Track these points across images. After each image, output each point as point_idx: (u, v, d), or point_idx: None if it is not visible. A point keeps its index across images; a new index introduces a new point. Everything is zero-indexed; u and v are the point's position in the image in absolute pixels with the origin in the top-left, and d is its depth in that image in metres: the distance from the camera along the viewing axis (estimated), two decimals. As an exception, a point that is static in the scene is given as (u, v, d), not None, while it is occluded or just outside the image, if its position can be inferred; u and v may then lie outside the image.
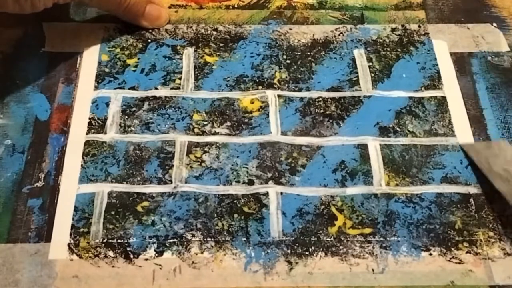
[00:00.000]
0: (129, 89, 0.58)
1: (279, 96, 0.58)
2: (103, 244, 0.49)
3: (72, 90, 0.58)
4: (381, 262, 0.49)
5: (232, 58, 0.61)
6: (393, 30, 0.64)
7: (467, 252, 0.49)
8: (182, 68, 0.60)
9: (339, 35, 0.63)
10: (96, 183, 0.52)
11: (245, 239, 0.49)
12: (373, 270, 0.48)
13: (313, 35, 0.63)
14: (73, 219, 0.50)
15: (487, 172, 0.51)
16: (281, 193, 0.52)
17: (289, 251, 0.49)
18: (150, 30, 0.63)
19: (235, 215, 0.51)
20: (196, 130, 0.56)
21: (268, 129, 0.56)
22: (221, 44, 0.62)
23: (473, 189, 0.52)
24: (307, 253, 0.49)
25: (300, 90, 0.59)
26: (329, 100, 0.58)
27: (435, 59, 0.61)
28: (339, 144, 0.55)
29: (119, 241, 0.49)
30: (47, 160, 0.53)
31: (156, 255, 0.49)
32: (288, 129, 0.56)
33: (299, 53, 0.61)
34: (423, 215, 0.51)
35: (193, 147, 0.55)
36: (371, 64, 0.61)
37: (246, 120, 0.56)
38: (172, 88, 0.58)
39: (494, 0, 0.67)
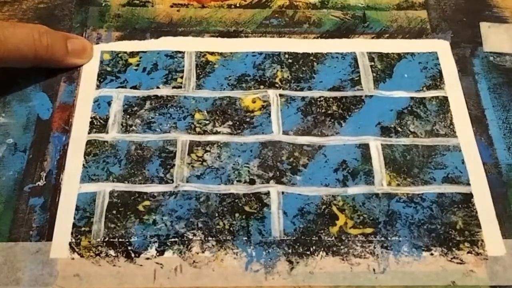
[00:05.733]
0: (130, 88, 0.58)
1: (280, 95, 0.58)
2: (104, 243, 0.49)
3: (74, 89, 0.58)
4: (382, 262, 0.49)
5: (233, 57, 0.61)
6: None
7: (468, 252, 0.49)
8: (183, 67, 0.60)
9: (341, 34, 0.63)
10: (97, 182, 0.52)
11: (246, 238, 0.50)
12: (374, 270, 0.48)
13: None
14: (74, 218, 0.50)
15: None
16: (282, 192, 0.52)
17: (290, 251, 0.49)
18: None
19: (236, 215, 0.51)
20: (197, 129, 0.56)
21: (269, 128, 0.56)
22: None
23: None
24: (308, 252, 0.49)
25: (301, 89, 0.59)
26: (330, 99, 0.58)
27: (437, 59, 0.61)
28: (340, 143, 0.55)
29: (120, 240, 0.49)
30: (49, 159, 0.53)
31: (157, 254, 0.49)
32: (289, 129, 0.56)
33: (300, 53, 0.61)
34: (424, 215, 0.51)
35: (194, 146, 0.55)
36: (373, 63, 0.61)
37: (247, 120, 0.56)
38: (173, 87, 0.58)
39: (496, 0, 0.66)
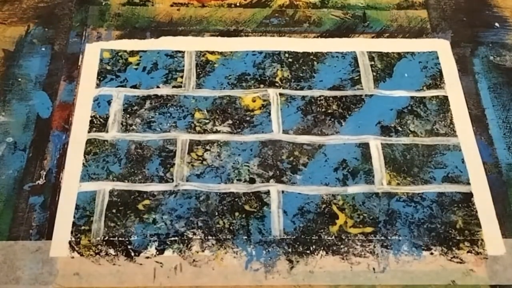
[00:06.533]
0: (130, 87, 0.58)
1: (280, 94, 0.58)
2: (104, 242, 0.49)
3: (73, 88, 0.58)
4: (382, 261, 0.49)
5: (234, 56, 0.61)
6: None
7: (468, 252, 0.49)
8: (184, 66, 0.60)
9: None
10: (97, 181, 0.52)
11: (246, 237, 0.50)
12: (374, 269, 0.48)
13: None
14: (74, 217, 0.50)
15: None
16: (282, 191, 0.52)
17: (290, 250, 0.49)
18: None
19: (236, 214, 0.51)
20: (197, 128, 0.56)
21: (269, 127, 0.56)
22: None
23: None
24: (308, 251, 0.49)
25: (302, 88, 0.59)
26: (330, 98, 0.58)
27: (437, 58, 0.61)
28: (340, 143, 0.55)
29: (120, 239, 0.49)
30: (49, 158, 0.53)
31: (157, 253, 0.49)
32: (289, 128, 0.56)
33: (301, 52, 0.61)
34: (424, 214, 0.51)
35: (194, 145, 0.55)
36: (373, 63, 0.61)
37: (247, 119, 0.56)
38: (173, 87, 0.58)
39: (496, 0, 0.66)
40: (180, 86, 0.58)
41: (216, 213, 0.51)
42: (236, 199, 0.51)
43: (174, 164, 0.53)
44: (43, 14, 0.63)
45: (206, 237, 0.49)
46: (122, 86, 0.58)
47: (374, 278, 0.48)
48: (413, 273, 0.48)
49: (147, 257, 0.48)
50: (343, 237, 0.50)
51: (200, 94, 0.58)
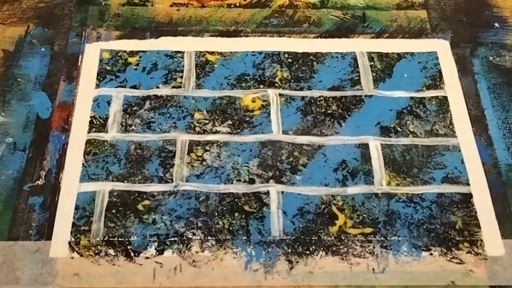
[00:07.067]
0: (130, 87, 0.58)
1: (280, 95, 0.58)
2: (103, 243, 0.49)
3: (73, 88, 0.58)
4: (381, 262, 0.49)
5: (233, 56, 0.61)
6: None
7: (467, 252, 0.49)
8: (183, 66, 0.60)
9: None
10: (97, 181, 0.52)
11: (245, 238, 0.50)
12: (373, 269, 0.48)
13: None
14: (74, 217, 0.50)
15: None
16: (282, 192, 0.52)
17: (289, 250, 0.49)
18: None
19: (236, 214, 0.51)
20: (197, 129, 0.56)
21: (269, 128, 0.56)
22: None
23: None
24: (307, 252, 0.49)
25: (301, 89, 0.59)
26: (330, 99, 0.58)
27: (437, 58, 0.61)
28: (340, 143, 0.55)
29: (119, 239, 0.49)
30: (48, 158, 0.53)
31: (157, 253, 0.49)
32: (289, 128, 0.56)
33: (300, 52, 0.61)
34: (423, 215, 0.51)
35: (194, 145, 0.55)
36: (372, 63, 0.61)
37: (247, 119, 0.56)
38: (173, 87, 0.58)
39: (496, 0, 0.66)
40: (180, 87, 0.59)
41: (216, 214, 0.51)
42: (236, 200, 0.51)
43: (173, 164, 0.53)
44: (42, 14, 0.63)
45: (205, 238, 0.49)
46: (121, 87, 0.58)
47: (374, 279, 0.48)
48: (413, 273, 0.48)
49: (147, 258, 0.48)
50: (343, 238, 0.50)
51: (200, 94, 0.58)
